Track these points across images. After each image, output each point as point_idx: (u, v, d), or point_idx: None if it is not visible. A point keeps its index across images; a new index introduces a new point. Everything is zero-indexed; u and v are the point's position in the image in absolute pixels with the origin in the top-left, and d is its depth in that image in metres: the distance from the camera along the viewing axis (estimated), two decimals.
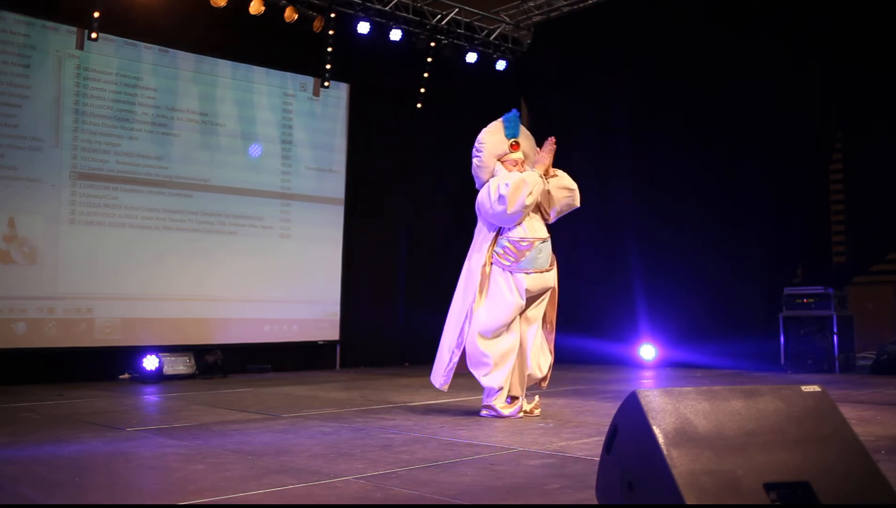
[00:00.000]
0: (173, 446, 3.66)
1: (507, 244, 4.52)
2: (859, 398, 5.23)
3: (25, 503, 2.64)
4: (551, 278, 4.65)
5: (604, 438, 2.17)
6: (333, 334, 8.97)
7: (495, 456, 3.30)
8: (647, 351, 8.63)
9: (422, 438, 3.82)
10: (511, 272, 4.49)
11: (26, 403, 5.49)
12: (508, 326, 4.48)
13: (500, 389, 4.48)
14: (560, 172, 4.72)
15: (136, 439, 3.90)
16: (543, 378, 4.72)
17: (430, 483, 2.79)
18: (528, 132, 4.86)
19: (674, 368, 8.24)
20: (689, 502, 1.76)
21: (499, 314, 4.46)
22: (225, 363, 7.78)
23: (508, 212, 4.44)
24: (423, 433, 3.99)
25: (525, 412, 4.59)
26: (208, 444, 3.68)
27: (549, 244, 4.63)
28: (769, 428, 1.99)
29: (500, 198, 4.45)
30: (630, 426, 2.04)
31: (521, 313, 4.55)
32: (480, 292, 4.51)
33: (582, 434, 3.87)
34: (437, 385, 4.67)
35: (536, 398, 4.75)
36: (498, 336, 4.47)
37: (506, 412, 4.49)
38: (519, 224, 4.52)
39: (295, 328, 8.69)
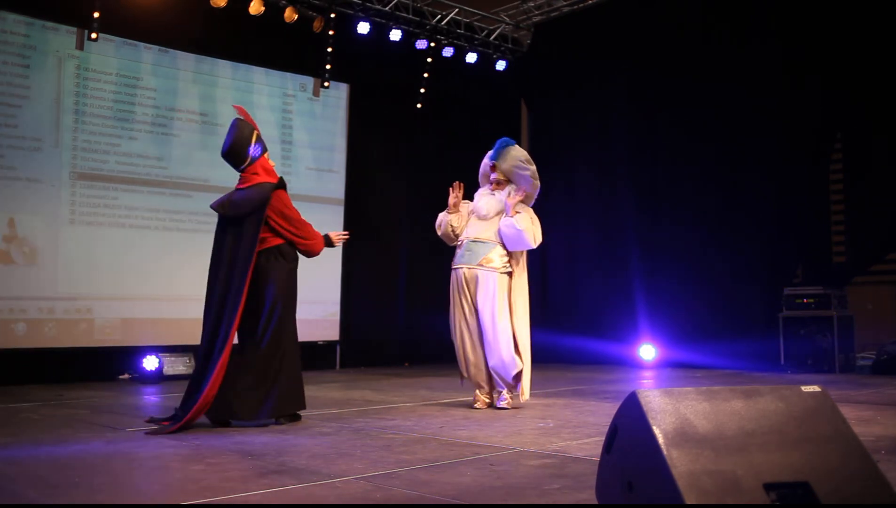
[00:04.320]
0: (173, 446, 3.66)
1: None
2: (859, 398, 5.23)
3: (25, 503, 2.64)
4: (478, 274, 4.93)
5: (604, 438, 2.17)
6: (333, 334, 8.97)
7: (495, 456, 3.30)
8: (647, 351, 8.63)
9: (422, 438, 3.82)
10: (453, 269, 5.07)
11: (26, 403, 5.49)
12: (457, 321, 4.99)
13: (464, 379, 5.06)
14: (521, 214, 4.98)
15: (136, 439, 3.90)
16: (510, 379, 4.90)
17: (430, 483, 2.79)
18: (514, 153, 5.12)
19: (674, 368, 8.25)
20: (689, 502, 1.76)
21: (451, 311, 5.05)
22: None
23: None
24: (423, 433, 3.99)
25: (487, 405, 4.95)
26: (208, 444, 3.68)
27: (485, 245, 4.97)
28: (769, 428, 1.99)
29: None
30: (630, 427, 2.04)
31: (474, 312, 4.95)
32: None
33: (582, 434, 3.87)
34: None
35: (503, 392, 4.94)
36: (454, 333, 5.03)
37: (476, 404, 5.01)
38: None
39: None
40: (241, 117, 4.53)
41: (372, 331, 9.27)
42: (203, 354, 4.23)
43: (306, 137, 8.91)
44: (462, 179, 5.31)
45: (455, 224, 5.15)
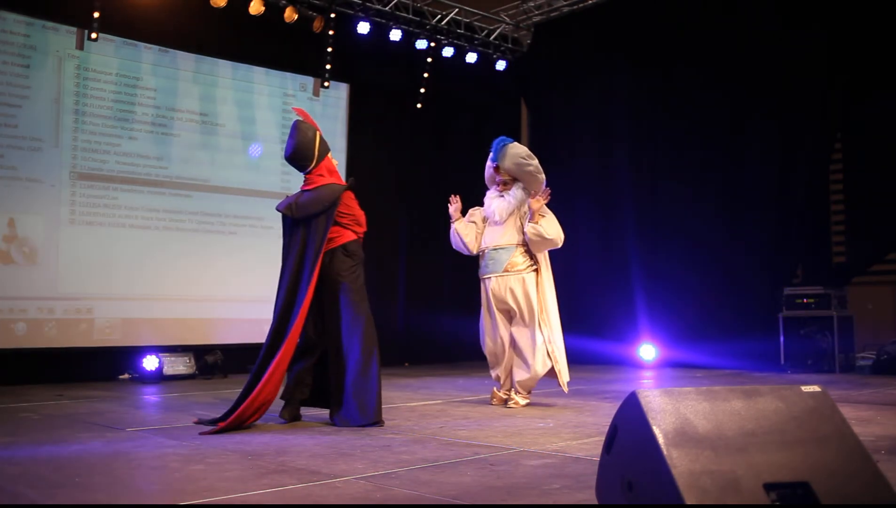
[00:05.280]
0: (173, 446, 3.66)
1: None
2: (859, 398, 5.23)
3: (25, 503, 2.64)
4: (508, 281, 5.02)
5: (604, 438, 2.17)
6: None
7: (495, 456, 3.30)
8: (647, 351, 8.62)
9: (422, 438, 3.82)
10: (481, 279, 5.17)
11: (26, 403, 5.49)
12: (488, 326, 5.12)
13: (496, 380, 5.17)
14: (546, 218, 5.04)
15: (136, 439, 3.90)
16: (530, 384, 5.03)
17: (430, 483, 2.79)
18: (514, 151, 5.12)
19: (674, 368, 8.24)
20: (689, 502, 1.76)
21: (481, 319, 5.20)
22: (225, 363, 7.77)
23: None
24: (423, 433, 3.99)
25: (503, 401, 5.08)
26: (208, 444, 3.68)
27: (505, 251, 5.06)
28: (769, 428, 1.99)
29: None
30: (630, 427, 2.04)
31: (505, 318, 5.08)
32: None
33: (582, 434, 3.87)
34: None
35: (512, 392, 5.08)
36: (485, 336, 5.17)
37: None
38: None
39: None
40: (302, 119, 4.51)
41: None
42: (264, 352, 4.25)
43: None
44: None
45: (462, 230, 5.23)
